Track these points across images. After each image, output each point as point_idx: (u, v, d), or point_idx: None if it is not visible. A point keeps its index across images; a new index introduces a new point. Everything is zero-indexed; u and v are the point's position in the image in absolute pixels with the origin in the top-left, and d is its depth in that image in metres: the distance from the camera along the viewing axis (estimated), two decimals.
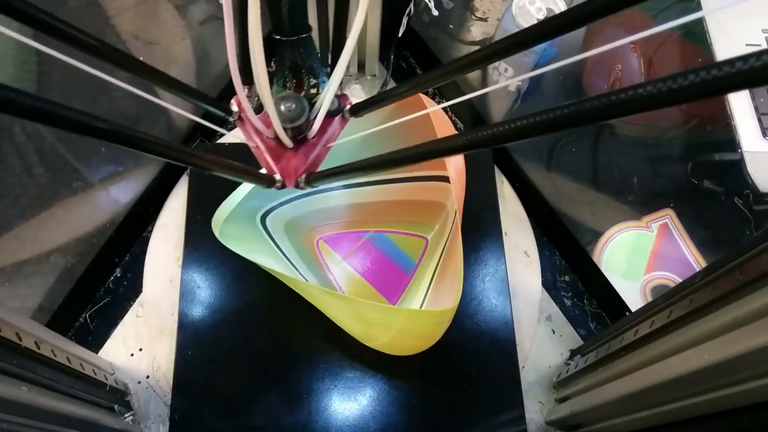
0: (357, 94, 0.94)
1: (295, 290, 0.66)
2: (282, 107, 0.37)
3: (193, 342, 0.69)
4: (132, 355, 0.72)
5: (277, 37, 0.38)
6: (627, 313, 0.72)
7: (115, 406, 0.62)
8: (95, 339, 0.73)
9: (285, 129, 0.37)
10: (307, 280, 0.69)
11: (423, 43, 0.93)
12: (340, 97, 0.41)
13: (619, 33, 0.93)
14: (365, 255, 0.76)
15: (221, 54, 0.93)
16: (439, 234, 0.75)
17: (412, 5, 0.86)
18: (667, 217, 0.81)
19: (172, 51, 0.93)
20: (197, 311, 0.70)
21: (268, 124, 0.38)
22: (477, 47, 0.96)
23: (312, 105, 0.39)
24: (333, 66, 0.36)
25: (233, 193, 0.63)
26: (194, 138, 0.86)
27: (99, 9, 0.95)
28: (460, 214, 0.59)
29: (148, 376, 0.71)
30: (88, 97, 0.88)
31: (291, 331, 0.70)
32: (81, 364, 0.56)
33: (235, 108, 0.39)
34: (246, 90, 0.36)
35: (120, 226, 0.77)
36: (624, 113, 0.19)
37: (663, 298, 0.50)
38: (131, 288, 0.77)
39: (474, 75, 0.93)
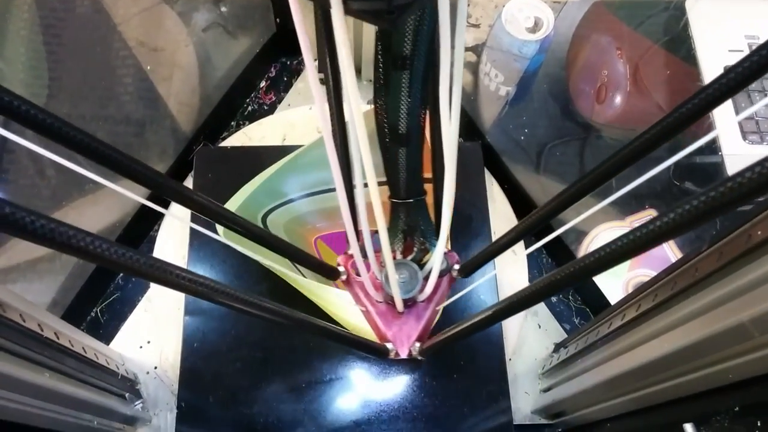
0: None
1: (294, 286, 0.70)
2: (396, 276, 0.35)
3: (199, 335, 0.73)
4: (141, 347, 0.76)
5: (394, 200, 0.37)
6: None
7: (126, 394, 0.66)
8: (106, 332, 0.78)
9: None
10: (305, 276, 0.73)
11: None
12: (447, 255, 0.39)
13: (604, 38, 0.96)
14: None
15: (222, 60, 0.97)
16: None
17: None
18: (650, 217, 0.85)
19: (177, 57, 0.97)
20: (202, 306, 0.74)
21: (378, 287, 0.37)
22: (470, 52, 1.00)
23: (421, 267, 0.38)
24: (438, 226, 0.35)
25: (236, 194, 0.67)
26: (197, 141, 0.90)
27: (105, 16, 0.99)
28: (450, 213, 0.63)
29: (156, 367, 0.75)
30: (96, 101, 0.92)
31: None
32: (95, 354, 0.60)
33: (342, 269, 0.38)
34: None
35: (128, 225, 0.81)
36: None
37: (634, 294, 0.53)
38: (139, 284, 0.81)
39: (466, 79, 0.97)
